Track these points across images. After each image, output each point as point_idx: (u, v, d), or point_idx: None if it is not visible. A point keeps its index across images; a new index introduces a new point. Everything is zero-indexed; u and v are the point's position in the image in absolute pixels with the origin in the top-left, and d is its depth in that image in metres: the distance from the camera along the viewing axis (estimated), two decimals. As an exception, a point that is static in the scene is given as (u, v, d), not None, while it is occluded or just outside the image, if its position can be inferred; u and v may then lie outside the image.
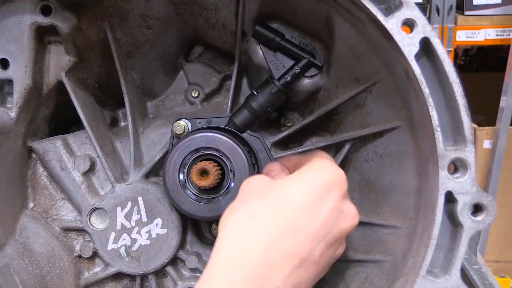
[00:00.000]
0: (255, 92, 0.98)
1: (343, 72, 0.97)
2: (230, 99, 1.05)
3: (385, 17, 0.73)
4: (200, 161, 0.92)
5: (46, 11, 0.89)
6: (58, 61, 0.96)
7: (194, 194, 0.94)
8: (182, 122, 0.99)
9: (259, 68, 1.02)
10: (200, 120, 1.00)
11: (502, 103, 2.51)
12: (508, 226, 2.68)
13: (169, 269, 1.02)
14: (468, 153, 0.74)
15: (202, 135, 0.93)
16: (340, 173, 0.78)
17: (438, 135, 0.74)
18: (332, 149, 1.07)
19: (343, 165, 1.06)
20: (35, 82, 0.93)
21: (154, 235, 0.99)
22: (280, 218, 0.71)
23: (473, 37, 2.69)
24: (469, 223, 0.74)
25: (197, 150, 0.93)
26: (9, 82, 0.91)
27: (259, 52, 1.00)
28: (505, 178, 2.60)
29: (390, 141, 0.96)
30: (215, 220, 1.02)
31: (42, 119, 1.02)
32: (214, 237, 1.04)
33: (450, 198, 0.75)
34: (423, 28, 0.72)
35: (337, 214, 0.74)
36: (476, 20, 2.68)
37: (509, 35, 2.66)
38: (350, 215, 0.77)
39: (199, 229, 1.07)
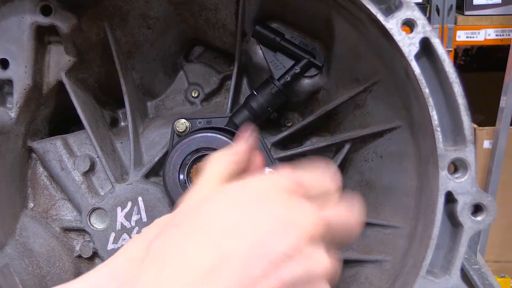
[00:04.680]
0: (255, 92, 0.98)
1: (343, 72, 0.97)
2: (230, 99, 1.05)
3: (385, 17, 0.73)
4: (200, 161, 0.92)
5: (46, 11, 0.89)
6: (58, 61, 0.96)
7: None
8: (183, 120, 0.99)
9: (259, 68, 1.02)
10: (200, 120, 1.00)
11: (502, 103, 2.50)
12: (508, 226, 2.68)
13: (169, 269, 1.02)
14: (468, 153, 0.74)
15: (202, 135, 0.93)
16: (283, 175, 0.57)
17: (438, 135, 0.74)
18: (332, 149, 1.07)
19: (343, 165, 1.06)
20: (35, 82, 0.93)
21: (154, 235, 0.99)
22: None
23: (473, 37, 2.69)
24: (469, 223, 0.74)
25: (197, 150, 0.93)
26: (9, 82, 0.91)
27: (259, 52, 1.00)
28: (505, 178, 2.59)
29: (390, 141, 0.96)
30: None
31: (42, 119, 1.02)
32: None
33: (450, 198, 0.75)
34: (423, 28, 0.72)
35: (280, 224, 0.52)
36: (476, 20, 2.68)
37: (509, 35, 2.65)
38: (317, 260, 0.53)
39: (199, 229, 1.06)
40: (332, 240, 0.57)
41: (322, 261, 0.54)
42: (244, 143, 0.66)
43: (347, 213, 0.59)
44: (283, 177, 0.57)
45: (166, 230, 0.53)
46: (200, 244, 0.49)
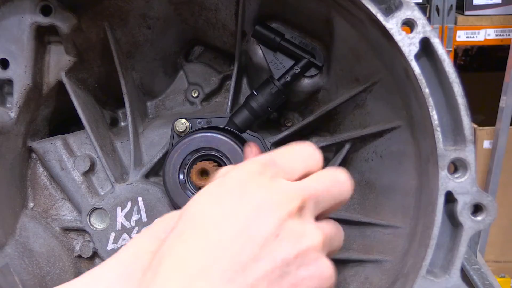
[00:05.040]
0: (255, 92, 0.98)
1: (343, 72, 0.97)
2: (230, 99, 1.05)
3: (385, 17, 0.73)
4: (200, 161, 0.92)
5: (46, 11, 0.89)
6: (58, 61, 0.96)
7: (194, 194, 0.93)
8: (183, 120, 0.99)
9: (259, 68, 1.02)
10: (200, 120, 1.00)
11: (502, 103, 2.50)
12: (508, 226, 2.68)
13: (169, 269, 1.02)
14: (468, 153, 0.74)
15: (202, 135, 0.93)
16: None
17: (438, 135, 0.74)
18: (332, 149, 1.07)
19: (343, 165, 1.06)
20: (35, 82, 0.93)
21: (154, 235, 0.99)
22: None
23: (473, 37, 2.69)
24: (469, 223, 0.74)
25: (197, 150, 0.93)
26: (9, 82, 0.91)
27: (259, 52, 1.00)
28: (505, 178, 2.59)
29: (390, 141, 0.96)
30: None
31: (42, 119, 1.02)
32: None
33: (450, 198, 0.75)
34: (423, 28, 0.72)
35: (259, 207, 0.52)
36: (476, 20, 2.68)
37: (509, 35, 2.65)
38: (302, 234, 0.52)
39: (199, 229, 1.06)
40: (322, 207, 0.57)
41: (312, 234, 0.54)
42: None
43: (330, 178, 0.60)
44: (254, 162, 0.58)
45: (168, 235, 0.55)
46: (191, 243, 0.51)
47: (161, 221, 0.62)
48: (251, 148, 0.80)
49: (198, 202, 0.55)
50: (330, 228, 0.59)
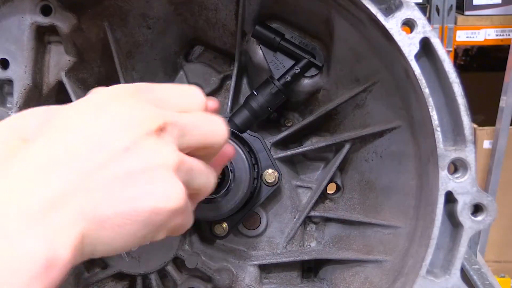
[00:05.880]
0: (255, 92, 0.98)
1: (343, 72, 0.97)
2: (230, 99, 1.05)
3: (385, 17, 0.73)
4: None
5: (46, 11, 0.89)
6: (58, 61, 0.96)
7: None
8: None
9: (259, 68, 1.02)
10: (200, 120, 1.00)
11: (502, 103, 2.50)
12: (508, 226, 2.68)
13: (170, 269, 1.02)
14: (468, 153, 0.74)
15: (202, 135, 0.93)
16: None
17: (438, 135, 0.74)
18: (332, 149, 1.07)
19: (343, 165, 1.06)
20: (35, 82, 0.93)
21: (154, 235, 0.99)
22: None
23: (473, 37, 2.69)
24: (469, 223, 0.74)
25: (197, 150, 0.93)
26: (9, 82, 0.91)
27: (259, 52, 1.00)
28: (505, 178, 2.59)
29: (390, 141, 0.96)
30: (215, 220, 1.02)
31: (42, 119, 1.02)
32: (215, 236, 1.04)
33: (450, 198, 0.75)
34: (423, 28, 0.72)
35: (117, 121, 0.53)
36: (476, 20, 2.68)
37: (509, 35, 2.66)
38: (155, 152, 0.52)
39: (200, 229, 1.07)
40: (188, 141, 0.56)
41: (166, 155, 0.53)
42: None
43: (204, 116, 0.59)
44: (130, 85, 0.58)
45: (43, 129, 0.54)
46: (41, 146, 0.51)
47: (21, 117, 0.58)
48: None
49: (65, 110, 0.54)
50: (196, 164, 0.58)
